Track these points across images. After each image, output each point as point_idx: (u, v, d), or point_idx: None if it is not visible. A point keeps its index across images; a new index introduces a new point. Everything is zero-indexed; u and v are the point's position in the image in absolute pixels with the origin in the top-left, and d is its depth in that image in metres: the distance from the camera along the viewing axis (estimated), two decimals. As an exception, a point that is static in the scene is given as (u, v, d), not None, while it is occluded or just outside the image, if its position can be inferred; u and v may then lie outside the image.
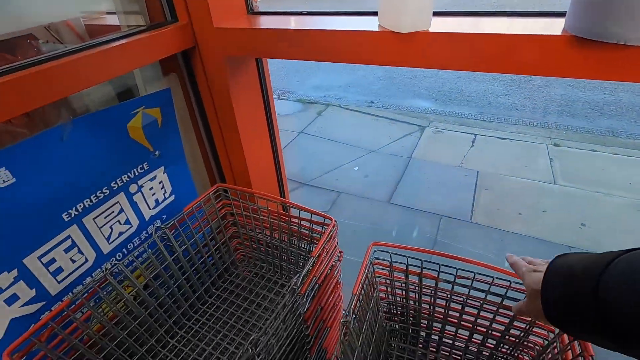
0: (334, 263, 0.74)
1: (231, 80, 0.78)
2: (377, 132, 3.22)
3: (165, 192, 0.81)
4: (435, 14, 0.61)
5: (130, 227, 0.75)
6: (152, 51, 0.70)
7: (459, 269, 0.66)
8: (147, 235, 0.78)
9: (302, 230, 0.79)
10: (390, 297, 0.79)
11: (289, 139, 3.22)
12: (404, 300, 0.77)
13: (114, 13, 0.79)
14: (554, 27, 0.51)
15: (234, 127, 0.83)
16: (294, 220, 0.79)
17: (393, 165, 2.70)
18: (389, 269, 0.73)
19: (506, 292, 0.64)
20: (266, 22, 0.76)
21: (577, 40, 0.47)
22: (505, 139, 2.92)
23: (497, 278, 0.64)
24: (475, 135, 3.00)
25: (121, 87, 0.77)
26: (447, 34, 0.54)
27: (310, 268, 0.64)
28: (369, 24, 0.63)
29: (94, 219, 0.67)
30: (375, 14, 0.67)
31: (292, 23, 0.73)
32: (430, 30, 0.55)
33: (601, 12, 0.43)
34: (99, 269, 0.70)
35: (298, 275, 0.60)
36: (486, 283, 0.66)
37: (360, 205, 2.34)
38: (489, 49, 0.52)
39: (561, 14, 0.55)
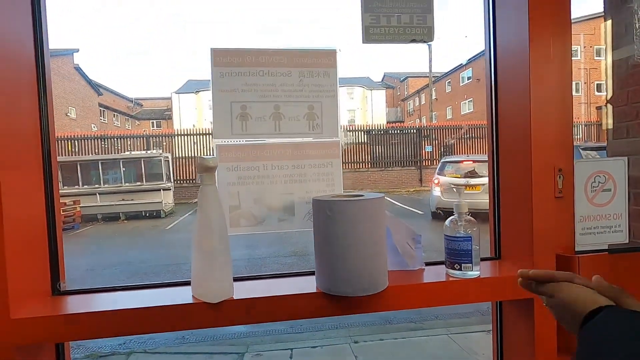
0: None
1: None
2: (192, 373, 2.87)
3: None
4: (236, 279, 0.82)
5: None
6: None
7: None
8: None
9: None
10: None
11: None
12: None
13: None
14: (311, 284, 0.80)
15: None
16: None
17: (216, 411, 2.37)
18: None
19: None
20: (74, 303, 0.78)
21: (323, 294, 0.75)
22: (316, 346, 3.18)
23: None
24: (292, 349, 3.14)
25: None
26: (248, 299, 0.75)
27: None
28: (184, 295, 0.77)
29: None
30: (187, 283, 0.83)
31: (104, 302, 0.78)
32: (234, 297, 0.75)
33: (327, 281, 0.73)
34: None
35: None
36: None
37: None
38: (275, 307, 0.75)
39: (312, 272, 0.85)
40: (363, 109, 30.17)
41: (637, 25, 0.91)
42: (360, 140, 15.62)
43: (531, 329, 0.85)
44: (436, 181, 8.18)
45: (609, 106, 1.62)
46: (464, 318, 3.63)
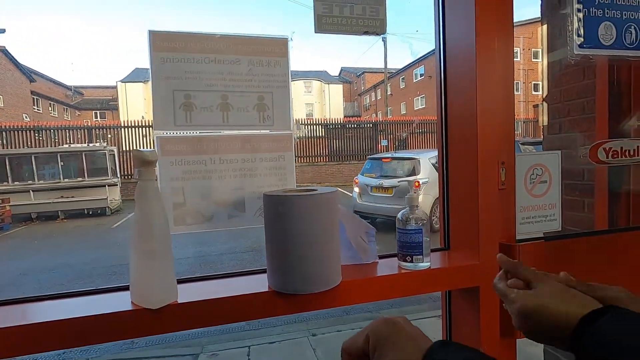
0: None
1: None
2: (142, 379, 2.72)
3: None
4: (181, 281, 0.77)
5: None
6: None
7: None
8: None
9: None
10: None
11: None
12: None
13: None
14: (263, 282, 0.76)
15: None
16: None
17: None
18: None
19: None
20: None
21: (276, 292, 0.72)
22: (274, 342, 3.15)
23: None
24: (249, 347, 3.08)
25: None
26: (194, 302, 0.70)
27: None
28: (122, 301, 0.70)
29: None
30: (126, 287, 0.76)
31: (28, 314, 0.70)
32: (179, 301, 0.69)
33: (279, 279, 0.71)
34: None
35: None
36: None
37: None
38: (224, 308, 0.71)
39: (264, 270, 0.82)
40: (320, 103, 30.29)
41: (570, 28, 0.98)
42: (317, 134, 15.67)
43: (477, 315, 0.88)
44: (355, 180, 7.39)
45: (545, 104, 1.74)
46: (416, 305, 3.79)
